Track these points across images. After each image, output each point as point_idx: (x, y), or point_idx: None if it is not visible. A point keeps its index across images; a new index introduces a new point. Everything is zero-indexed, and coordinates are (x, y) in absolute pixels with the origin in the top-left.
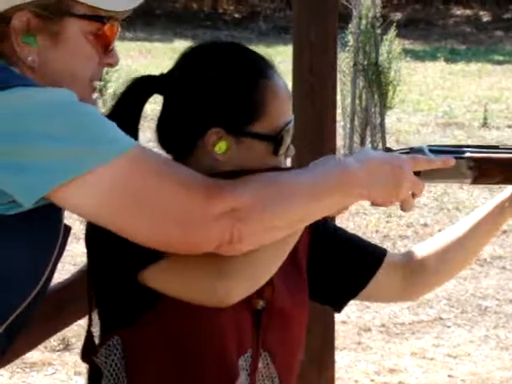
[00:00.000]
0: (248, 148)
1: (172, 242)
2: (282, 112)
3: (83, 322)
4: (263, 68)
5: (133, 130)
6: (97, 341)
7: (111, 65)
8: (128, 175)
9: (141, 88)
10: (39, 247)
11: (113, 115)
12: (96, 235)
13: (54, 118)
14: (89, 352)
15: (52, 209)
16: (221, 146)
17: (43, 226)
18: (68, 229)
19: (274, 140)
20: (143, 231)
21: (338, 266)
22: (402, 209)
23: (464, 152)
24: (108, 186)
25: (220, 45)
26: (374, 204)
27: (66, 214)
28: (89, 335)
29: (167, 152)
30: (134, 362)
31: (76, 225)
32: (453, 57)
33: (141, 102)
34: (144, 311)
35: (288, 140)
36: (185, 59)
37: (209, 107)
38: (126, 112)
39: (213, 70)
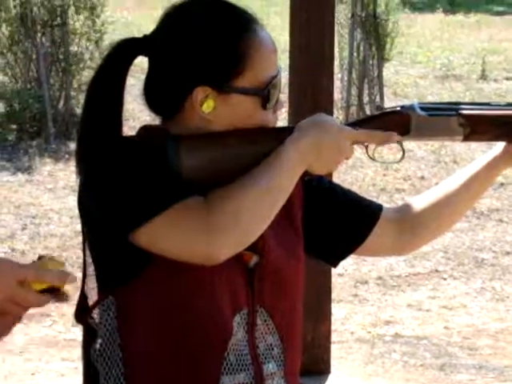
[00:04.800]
0: (236, 104)
1: None
2: (268, 65)
3: (82, 274)
4: (246, 22)
5: (118, 93)
6: (91, 303)
7: None
8: None
9: (124, 51)
10: None
11: (99, 78)
12: (87, 197)
13: None
14: (82, 313)
15: None
16: (208, 104)
17: None
18: None
19: (261, 94)
20: None
21: (335, 222)
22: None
23: (455, 109)
24: None
25: (201, 1)
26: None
27: (62, 180)
28: (82, 297)
29: (156, 113)
30: (126, 322)
31: (72, 177)
32: (451, 8)
33: (125, 65)
34: (137, 271)
35: (275, 94)
36: (167, 18)
37: (193, 65)
38: (111, 75)
39: (195, 28)
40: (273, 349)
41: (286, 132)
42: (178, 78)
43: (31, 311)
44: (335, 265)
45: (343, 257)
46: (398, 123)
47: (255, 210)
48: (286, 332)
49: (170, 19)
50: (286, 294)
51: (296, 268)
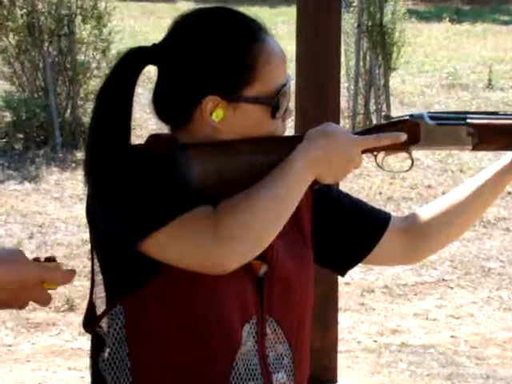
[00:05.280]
0: (245, 113)
1: None
2: (277, 75)
3: (88, 283)
4: (254, 32)
5: (127, 102)
6: (99, 312)
7: None
8: None
9: (134, 60)
10: None
11: (108, 87)
12: (96, 205)
13: None
14: (91, 322)
15: None
16: (218, 114)
17: None
18: None
19: (271, 103)
20: None
21: (343, 231)
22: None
23: (464, 118)
24: None
25: (210, 11)
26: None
27: (69, 189)
28: (90, 305)
29: (165, 122)
30: (134, 331)
31: (79, 186)
32: (458, 17)
33: (134, 74)
34: (146, 280)
35: (285, 102)
36: (176, 28)
37: (203, 75)
38: (120, 84)
39: (204, 37)
40: (283, 358)
41: (294, 141)
42: (187, 87)
43: (38, 320)
44: (343, 274)
45: (351, 266)
46: (407, 132)
47: (265, 218)
48: (295, 341)
49: (179, 28)
50: (296, 302)
51: (305, 276)
